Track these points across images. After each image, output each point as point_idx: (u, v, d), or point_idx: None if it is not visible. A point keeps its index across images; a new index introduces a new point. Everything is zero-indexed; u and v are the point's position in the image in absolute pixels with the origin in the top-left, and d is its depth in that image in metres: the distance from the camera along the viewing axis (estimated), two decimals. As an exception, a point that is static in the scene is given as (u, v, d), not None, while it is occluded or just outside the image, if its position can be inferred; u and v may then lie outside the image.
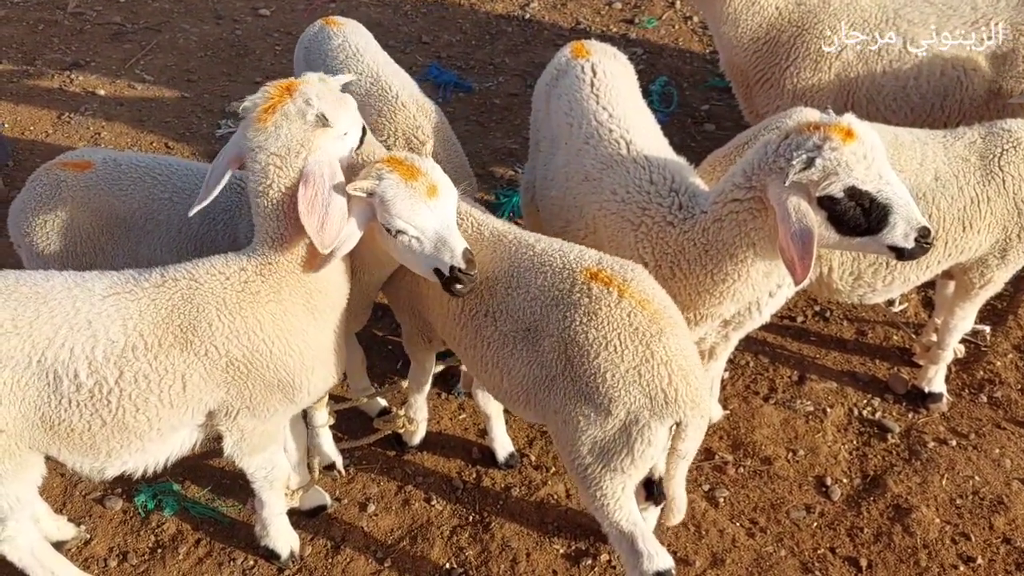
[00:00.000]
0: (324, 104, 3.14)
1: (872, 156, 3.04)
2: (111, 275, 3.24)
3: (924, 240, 3.13)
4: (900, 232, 3.12)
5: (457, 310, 3.54)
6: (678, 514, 3.44)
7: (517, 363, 3.36)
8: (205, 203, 3.24)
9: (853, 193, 3.06)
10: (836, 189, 3.05)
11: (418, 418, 4.37)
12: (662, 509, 3.52)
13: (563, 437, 3.29)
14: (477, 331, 3.48)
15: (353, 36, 4.64)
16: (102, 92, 7.01)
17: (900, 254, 3.18)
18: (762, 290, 3.48)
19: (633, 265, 3.29)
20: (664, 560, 3.29)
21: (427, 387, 4.32)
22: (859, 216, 3.10)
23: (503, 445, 4.39)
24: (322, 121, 3.12)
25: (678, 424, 3.14)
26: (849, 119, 3.09)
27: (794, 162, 3.04)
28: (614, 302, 3.13)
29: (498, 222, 3.59)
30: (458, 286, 3.20)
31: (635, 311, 3.11)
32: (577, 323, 3.15)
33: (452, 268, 3.17)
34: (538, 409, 3.39)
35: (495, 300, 3.41)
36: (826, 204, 3.10)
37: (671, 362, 3.08)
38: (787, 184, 3.06)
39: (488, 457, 4.42)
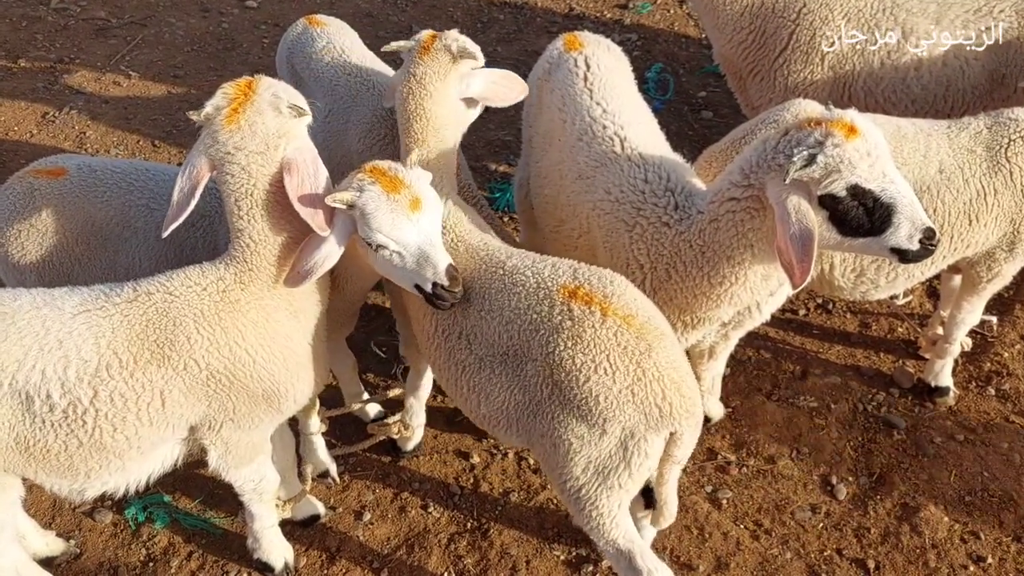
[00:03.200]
0: (290, 94, 3.11)
1: (876, 153, 2.91)
2: (81, 292, 3.14)
3: (929, 242, 3.01)
4: (904, 233, 2.99)
5: (431, 329, 3.41)
6: (669, 517, 3.35)
7: (496, 388, 3.23)
8: (178, 221, 3.07)
9: (856, 192, 2.94)
10: (838, 188, 2.93)
11: (414, 423, 4.28)
12: (654, 512, 3.42)
13: (553, 460, 3.17)
14: (451, 354, 3.35)
15: (338, 37, 4.52)
16: (87, 89, 6.87)
17: (903, 256, 3.06)
18: (760, 293, 3.37)
19: (612, 276, 3.16)
20: (664, 575, 3.20)
21: (425, 392, 4.23)
22: (862, 216, 2.98)
23: None
24: (296, 111, 3.07)
25: (673, 433, 3.05)
26: (851, 114, 2.96)
27: (795, 159, 2.91)
28: (598, 322, 3.01)
29: (476, 237, 3.43)
30: (439, 302, 3.10)
31: (621, 329, 3.00)
32: (562, 348, 3.03)
33: (434, 285, 3.07)
34: (522, 434, 3.27)
35: (468, 322, 3.27)
36: (827, 203, 2.98)
37: (663, 377, 2.98)
38: (787, 182, 2.94)
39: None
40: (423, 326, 3.46)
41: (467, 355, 3.27)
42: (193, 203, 3.07)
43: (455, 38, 3.57)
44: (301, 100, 3.15)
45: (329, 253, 3.10)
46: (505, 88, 3.73)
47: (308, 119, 3.15)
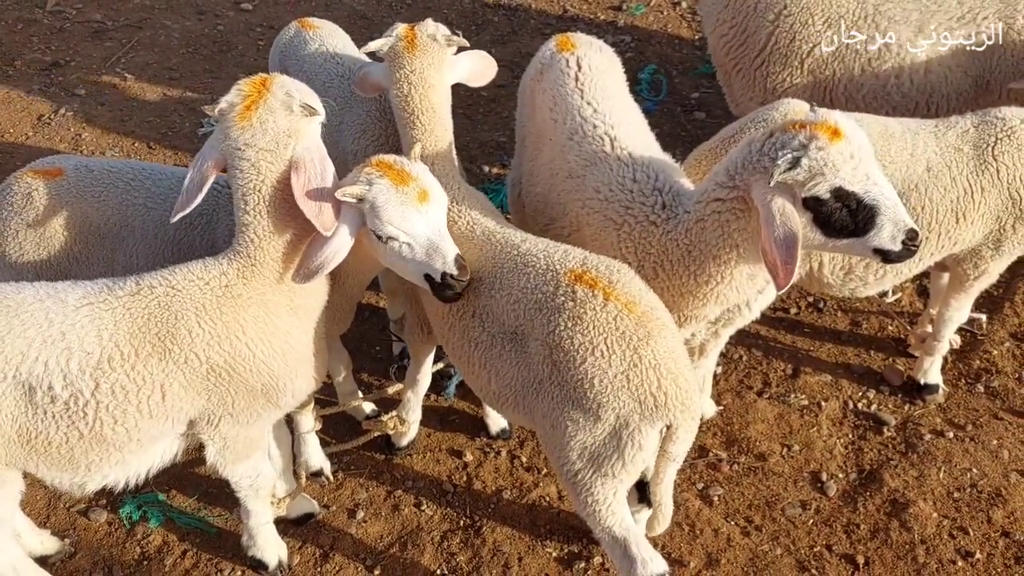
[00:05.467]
0: (303, 94, 3.16)
1: (859, 156, 2.95)
2: (84, 285, 3.18)
3: (911, 243, 3.05)
4: (887, 234, 3.04)
5: (445, 309, 3.49)
6: (664, 522, 3.38)
7: (505, 365, 3.31)
8: (187, 210, 3.17)
9: (840, 194, 2.98)
10: (822, 190, 2.97)
11: (410, 419, 4.31)
12: (649, 516, 3.46)
13: (552, 442, 3.23)
14: (465, 332, 3.42)
15: (330, 39, 4.57)
16: (83, 92, 6.89)
17: (886, 257, 3.10)
18: (746, 293, 3.41)
19: (619, 265, 3.22)
20: (658, 565, 3.23)
21: (423, 387, 4.27)
22: (845, 217, 3.01)
23: (496, 421, 4.43)
24: (308, 110, 3.12)
25: (669, 427, 3.08)
26: (835, 117, 3.00)
27: (779, 162, 2.95)
28: (599, 306, 3.06)
29: (491, 221, 3.52)
30: (448, 292, 3.17)
31: (621, 314, 3.04)
32: (562, 328, 3.08)
33: (444, 275, 3.13)
34: (526, 413, 3.33)
35: (480, 301, 3.35)
36: (811, 205, 3.01)
37: (660, 366, 3.01)
38: (772, 184, 2.98)
39: (483, 425, 4.49)
40: (437, 307, 3.53)
41: (480, 332, 3.35)
42: (201, 195, 3.15)
43: (435, 26, 3.69)
44: (315, 99, 3.20)
45: (340, 247, 3.16)
46: (484, 67, 3.93)
47: (320, 119, 3.20)
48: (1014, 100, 4.37)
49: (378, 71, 3.81)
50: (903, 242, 3.05)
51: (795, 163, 2.95)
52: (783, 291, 3.08)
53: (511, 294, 3.25)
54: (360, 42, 4.79)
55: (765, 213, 3.00)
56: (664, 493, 3.30)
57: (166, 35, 7.54)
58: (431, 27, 3.69)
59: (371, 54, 3.85)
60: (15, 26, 7.60)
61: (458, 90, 3.97)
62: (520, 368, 3.25)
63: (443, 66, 3.66)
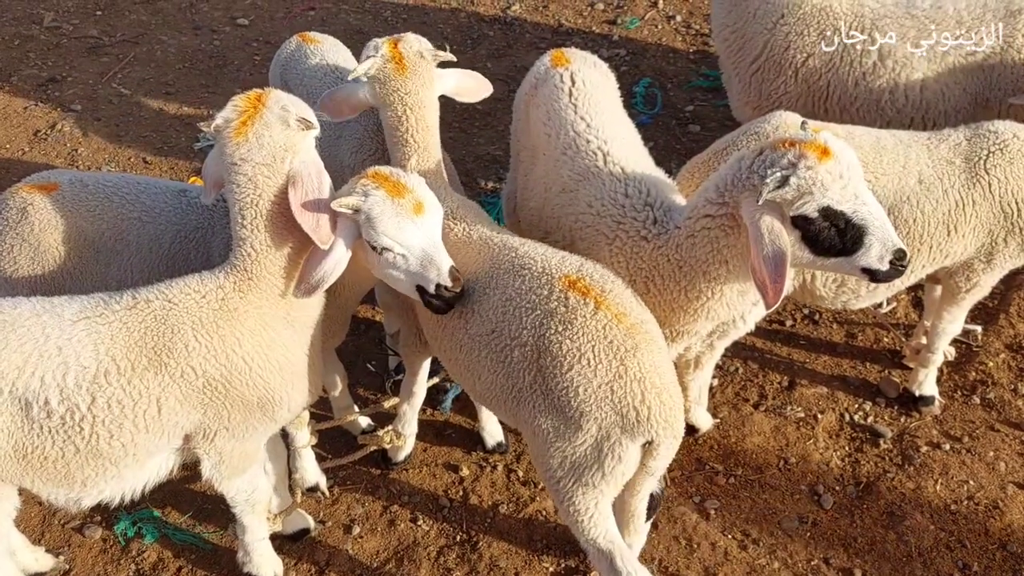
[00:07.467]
0: (299, 108, 3.18)
1: (848, 175, 2.95)
2: (81, 299, 3.18)
3: (899, 263, 3.05)
4: (875, 254, 3.04)
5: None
6: (634, 533, 3.41)
7: (486, 369, 3.31)
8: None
9: (828, 213, 2.98)
10: (810, 209, 2.97)
11: (406, 432, 4.30)
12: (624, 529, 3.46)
13: (534, 448, 3.26)
14: (452, 333, 3.44)
15: (331, 54, 4.60)
16: (79, 107, 6.91)
17: (873, 276, 3.10)
18: (737, 309, 3.42)
19: (613, 277, 3.23)
20: None
21: (419, 400, 4.26)
22: (834, 237, 3.02)
23: (492, 435, 4.43)
24: (304, 124, 3.14)
25: (650, 442, 3.08)
26: (825, 135, 3.01)
27: (768, 180, 2.96)
28: (590, 313, 3.06)
29: (487, 228, 3.53)
30: (438, 302, 3.19)
31: (610, 324, 3.05)
32: (552, 331, 3.09)
33: (438, 286, 3.15)
34: (511, 415, 3.36)
35: (470, 301, 3.36)
36: (800, 224, 3.02)
37: (644, 379, 3.01)
38: (760, 202, 2.98)
39: (479, 439, 4.48)
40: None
41: (463, 335, 3.35)
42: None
43: (417, 42, 3.69)
44: (310, 113, 3.22)
45: (338, 260, 3.18)
46: (475, 85, 3.95)
47: (316, 132, 3.22)
48: (1013, 116, 4.38)
49: (357, 91, 3.74)
50: (891, 262, 3.06)
51: (784, 182, 2.96)
52: (771, 309, 3.09)
53: (505, 292, 3.26)
54: (358, 57, 4.82)
55: (753, 231, 3.01)
56: (638, 503, 3.31)
57: (162, 50, 7.56)
58: (414, 43, 3.67)
59: None
60: (12, 42, 7.63)
61: (454, 104, 3.99)
62: (499, 375, 3.26)
63: (432, 84, 3.69)
